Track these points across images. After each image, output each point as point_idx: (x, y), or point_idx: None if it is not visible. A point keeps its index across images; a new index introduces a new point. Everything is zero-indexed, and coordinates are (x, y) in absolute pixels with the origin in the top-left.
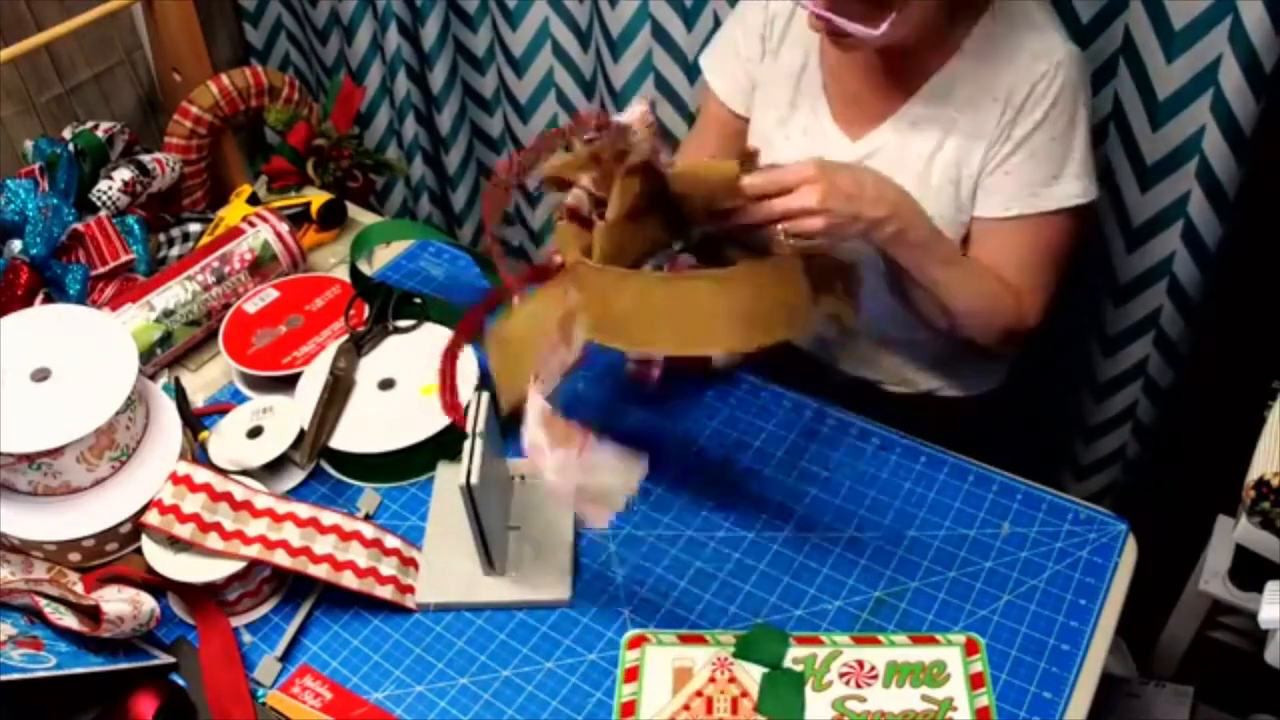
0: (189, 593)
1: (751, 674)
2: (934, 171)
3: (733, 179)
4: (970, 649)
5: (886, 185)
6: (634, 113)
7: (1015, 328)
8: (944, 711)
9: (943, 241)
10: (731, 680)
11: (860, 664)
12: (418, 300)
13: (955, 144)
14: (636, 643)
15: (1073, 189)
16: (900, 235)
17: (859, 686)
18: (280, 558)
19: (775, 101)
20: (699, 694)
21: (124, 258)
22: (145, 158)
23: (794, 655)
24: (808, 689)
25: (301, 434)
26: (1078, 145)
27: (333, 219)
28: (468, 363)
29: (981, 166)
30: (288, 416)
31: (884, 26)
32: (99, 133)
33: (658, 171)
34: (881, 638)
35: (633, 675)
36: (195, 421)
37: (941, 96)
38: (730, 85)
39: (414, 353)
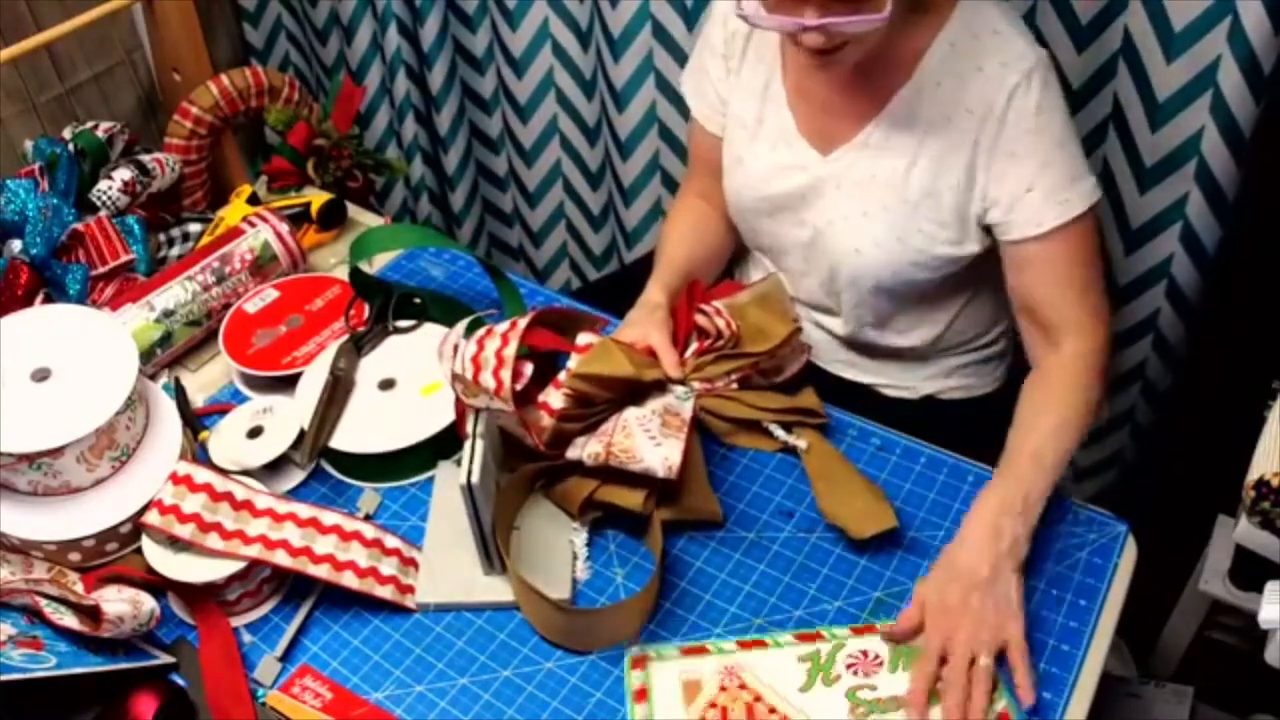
0: (189, 593)
1: (761, 678)
2: (910, 186)
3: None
4: None
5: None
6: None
7: (1106, 364)
8: None
9: (1036, 479)
10: (742, 686)
11: (865, 653)
12: (418, 300)
13: (930, 156)
14: (639, 662)
15: (1090, 184)
16: (1027, 538)
17: (867, 675)
18: (280, 558)
19: (743, 118)
20: (712, 704)
21: (124, 258)
22: (145, 158)
23: (798, 653)
24: (818, 684)
25: (301, 434)
26: (1076, 143)
27: (333, 219)
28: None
29: (969, 178)
30: (288, 416)
31: (888, 8)
32: (99, 133)
33: None
34: (879, 625)
35: (642, 695)
36: (195, 421)
37: (910, 111)
38: (707, 108)
39: (414, 353)
